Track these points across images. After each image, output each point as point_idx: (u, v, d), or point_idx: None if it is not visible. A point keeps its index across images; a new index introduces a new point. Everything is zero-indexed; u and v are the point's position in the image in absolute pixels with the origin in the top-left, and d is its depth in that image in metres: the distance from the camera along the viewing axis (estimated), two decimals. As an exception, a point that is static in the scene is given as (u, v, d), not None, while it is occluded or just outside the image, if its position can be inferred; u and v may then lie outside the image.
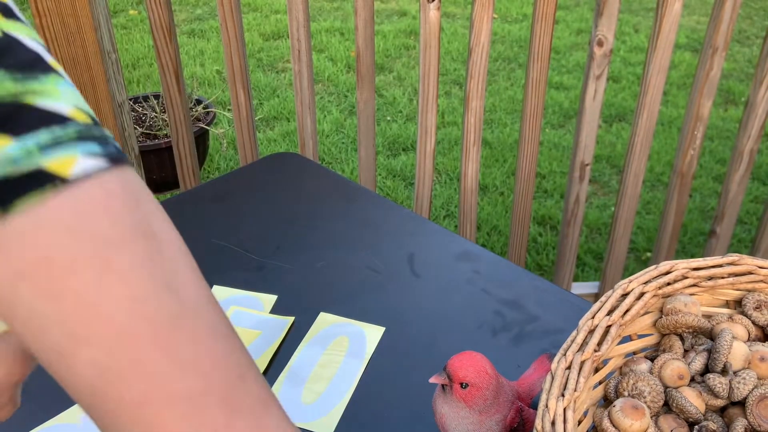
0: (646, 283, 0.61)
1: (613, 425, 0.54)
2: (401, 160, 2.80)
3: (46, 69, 0.29)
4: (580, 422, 0.57)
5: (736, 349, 0.59)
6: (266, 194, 1.09)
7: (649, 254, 2.32)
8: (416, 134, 1.64)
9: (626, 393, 0.58)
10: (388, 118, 3.13)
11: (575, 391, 0.52)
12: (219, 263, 0.94)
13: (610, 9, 1.49)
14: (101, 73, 1.37)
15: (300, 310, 0.86)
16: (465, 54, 3.61)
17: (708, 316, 0.64)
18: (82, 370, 0.27)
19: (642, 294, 0.60)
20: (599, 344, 0.56)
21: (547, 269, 2.27)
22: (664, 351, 0.63)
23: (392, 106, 3.23)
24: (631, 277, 0.61)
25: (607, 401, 0.60)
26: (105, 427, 0.29)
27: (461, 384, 0.60)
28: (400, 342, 0.82)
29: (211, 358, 0.29)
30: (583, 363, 0.54)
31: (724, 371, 0.58)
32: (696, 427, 0.56)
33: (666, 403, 0.58)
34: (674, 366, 0.59)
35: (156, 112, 2.53)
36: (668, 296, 0.63)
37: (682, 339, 0.63)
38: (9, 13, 0.29)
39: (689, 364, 0.60)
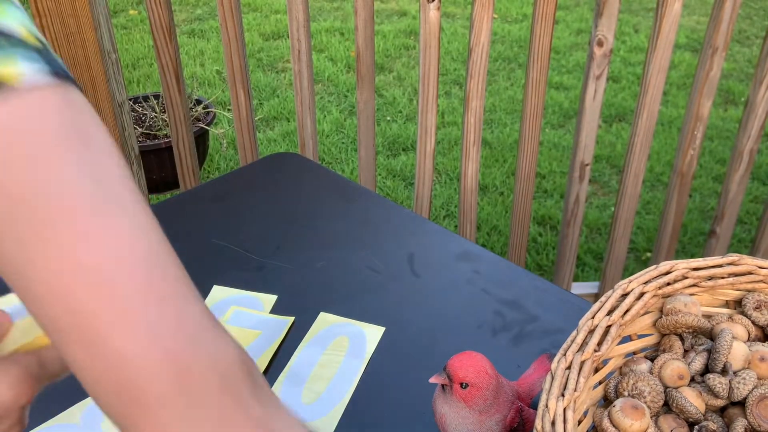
0: (646, 283, 0.61)
1: (613, 425, 0.54)
2: (401, 160, 2.80)
3: None
4: (580, 422, 0.57)
5: (736, 349, 0.59)
6: (266, 194, 1.09)
7: (649, 254, 2.32)
8: (416, 134, 1.64)
9: (626, 393, 0.58)
10: (388, 118, 3.13)
11: (575, 391, 0.52)
12: (219, 263, 0.94)
13: (610, 9, 1.49)
14: (101, 73, 1.37)
15: (300, 310, 0.86)
16: (465, 54, 3.61)
17: (708, 316, 0.64)
18: (8, 247, 0.30)
19: (642, 294, 0.60)
20: (599, 344, 0.56)
21: (547, 269, 2.27)
22: (664, 351, 0.63)
23: (392, 106, 3.23)
24: (631, 277, 0.61)
25: (607, 401, 0.60)
26: (26, 301, 0.31)
27: (461, 384, 0.60)
28: (400, 342, 0.82)
29: (130, 247, 0.31)
30: (583, 363, 0.54)
31: (724, 371, 0.58)
32: (696, 427, 0.56)
33: (666, 403, 0.58)
34: (674, 366, 0.59)
35: (156, 112, 2.53)
36: (668, 296, 0.63)
37: (682, 339, 0.63)
38: None
39: (689, 364, 0.60)
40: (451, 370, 0.61)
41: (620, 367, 0.62)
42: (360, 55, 1.53)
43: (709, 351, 0.60)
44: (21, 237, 0.30)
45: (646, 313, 0.63)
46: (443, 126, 3.07)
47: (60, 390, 0.47)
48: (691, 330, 0.62)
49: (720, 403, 0.58)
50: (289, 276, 0.92)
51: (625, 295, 0.60)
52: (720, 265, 0.63)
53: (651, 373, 0.60)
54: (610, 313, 0.58)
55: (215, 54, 3.65)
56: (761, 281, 0.64)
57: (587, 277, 2.24)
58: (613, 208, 2.49)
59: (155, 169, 2.39)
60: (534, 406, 0.67)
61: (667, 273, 0.62)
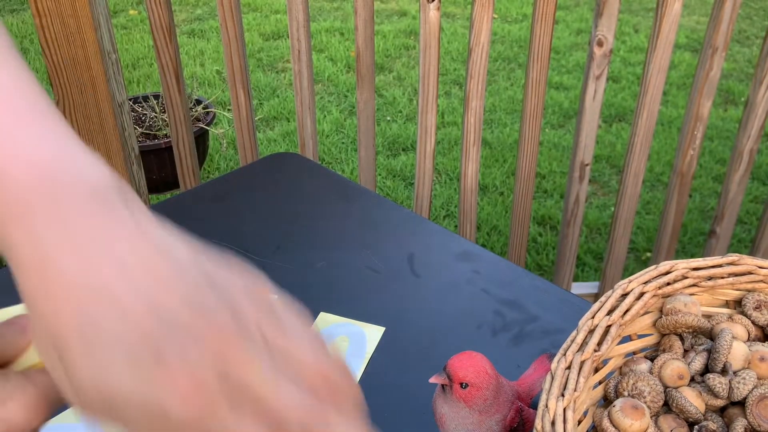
0: (646, 283, 0.61)
1: (613, 425, 0.54)
2: (401, 160, 2.80)
3: None
4: (580, 422, 0.57)
5: (736, 349, 0.59)
6: (266, 194, 1.09)
7: (649, 254, 2.32)
8: (416, 134, 1.64)
9: (626, 393, 0.58)
10: (388, 118, 3.13)
11: (575, 391, 0.52)
12: (219, 263, 0.94)
13: (610, 9, 1.49)
14: (101, 73, 1.37)
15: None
16: (465, 54, 3.61)
17: (708, 316, 0.64)
18: None
19: (642, 294, 0.60)
20: (599, 344, 0.56)
21: (547, 269, 2.27)
22: (664, 351, 0.63)
23: (392, 106, 3.23)
24: (631, 277, 0.61)
25: (607, 401, 0.60)
26: None
27: (461, 384, 0.60)
28: (400, 342, 0.82)
29: None
30: (583, 363, 0.54)
31: (724, 371, 0.58)
32: (696, 427, 0.56)
33: (666, 403, 0.58)
34: (674, 366, 0.59)
35: (156, 112, 2.53)
36: (668, 296, 0.63)
37: (682, 339, 0.63)
38: None
39: (689, 364, 0.60)
40: (451, 370, 0.61)
41: (620, 367, 0.62)
42: (360, 55, 1.53)
43: (709, 351, 0.60)
44: None
45: (646, 313, 0.63)
46: (443, 126, 3.07)
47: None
48: (691, 330, 0.62)
49: (720, 403, 0.58)
50: (289, 276, 0.92)
51: (625, 295, 0.60)
52: (720, 265, 0.63)
53: (651, 373, 0.60)
54: (610, 313, 0.58)
55: (215, 54, 3.65)
56: (761, 281, 0.64)
57: (587, 277, 2.24)
58: (613, 208, 2.49)
59: (155, 169, 2.39)
60: (534, 406, 0.67)
61: (667, 273, 0.62)
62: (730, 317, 0.63)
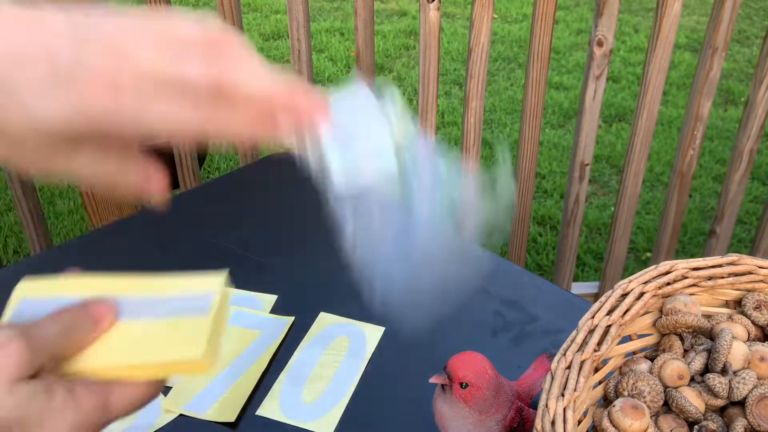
0: (645, 283, 0.61)
1: (613, 425, 0.54)
2: (401, 160, 2.80)
3: None
4: (579, 422, 0.57)
5: (736, 349, 0.59)
6: (266, 194, 1.09)
7: (649, 254, 2.32)
8: (416, 134, 1.64)
9: (626, 393, 0.58)
10: (388, 118, 3.13)
11: (575, 391, 0.52)
12: (219, 263, 0.94)
13: (610, 9, 1.49)
14: (101, 73, 1.37)
15: (300, 310, 0.86)
16: (465, 54, 3.61)
17: (708, 316, 0.64)
18: None
19: (642, 294, 0.60)
20: (599, 344, 0.56)
21: (547, 269, 2.27)
22: (663, 351, 0.63)
23: (392, 106, 3.23)
24: (631, 277, 0.61)
25: (606, 401, 0.60)
26: None
27: (461, 384, 0.60)
28: (400, 342, 0.82)
29: None
30: (582, 363, 0.54)
31: (723, 371, 0.58)
32: (696, 427, 0.56)
33: (666, 403, 0.58)
34: (674, 366, 0.59)
35: (156, 112, 2.53)
36: (668, 296, 0.63)
37: (681, 339, 0.63)
38: None
39: (689, 364, 0.60)
40: (451, 370, 0.61)
41: (620, 367, 0.62)
42: (360, 55, 1.53)
43: (709, 351, 0.60)
44: None
45: (646, 313, 0.63)
46: (443, 126, 3.07)
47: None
48: (691, 330, 0.62)
49: (720, 403, 0.58)
50: (289, 276, 0.92)
51: (625, 295, 0.60)
52: (720, 265, 0.63)
53: (651, 373, 0.60)
54: (610, 313, 0.58)
55: (215, 54, 3.65)
56: (761, 281, 0.64)
57: (587, 277, 2.24)
58: (613, 208, 2.49)
59: (155, 169, 2.38)
60: (534, 406, 0.67)
61: (667, 273, 0.62)
62: (730, 317, 0.63)
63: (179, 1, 4.31)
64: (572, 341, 0.56)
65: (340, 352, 0.80)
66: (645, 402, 0.57)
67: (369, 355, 0.80)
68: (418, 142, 0.38)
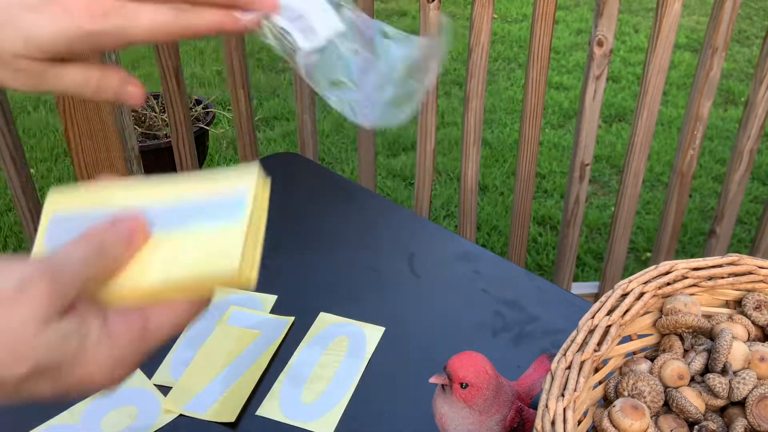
0: (646, 283, 0.61)
1: (613, 425, 0.54)
2: (401, 160, 2.80)
3: None
4: (580, 422, 0.57)
5: (736, 349, 0.59)
6: (266, 194, 1.09)
7: (649, 254, 2.32)
8: (416, 134, 1.64)
9: (626, 393, 0.58)
10: (388, 118, 3.13)
11: (575, 391, 0.52)
12: (219, 263, 0.94)
13: (610, 9, 1.48)
14: (101, 73, 1.37)
15: (300, 310, 0.86)
16: (465, 54, 3.61)
17: (708, 316, 0.64)
18: None
19: (642, 294, 0.60)
20: (599, 344, 0.56)
21: (547, 269, 2.27)
22: (664, 351, 0.63)
23: (392, 106, 3.23)
24: (631, 277, 0.61)
25: (607, 401, 0.60)
26: None
27: (461, 384, 0.60)
28: (400, 342, 0.82)
29: None
30: (583, 363, 0.54)
31: (724, 371, 0.58)
32: (696, 427, 0.56)
33: (666, 403, 0.58)
34: (674, 366, 0.59)
35: (156, 112, 2.53)
36: (668, 296, 0.63)
37: (682, 339, 0.63)
38: None
39: (689, 364, 0.60)
40: (451, 370, 0.61)
41: (620, 367, 0.62)
42: (360, 55, 1.53)
43: (709, 351, 0.60)
44: None
45: (646, 313, 0.63)
46: (443, 126, 3.07)
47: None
48: (691, 330, 0.62)
49: (720, 403, 0.58)
50: (289, 276, 0.92)
51: (625, 295, 0.60)
52: (720, 265, 0.63)
53: (651, 373, 0.60)
54: (610, 313, 0.58)
55: (215, 54, 3.65)
56: (761, 281, 0.64)
57: (587, 277, 2.24)
58: (613, 208, 2.49)
59: (155, 169, 2.39)
60: (534, 406, 0.67)
61: (667, 273, 0.62)
62: (730, 317, 0.63)
63: (179, 1, 4.31)
64: (572, 341, 0.56)
65: (339, 352, 0.80)
66: (645, 402, 0.57)
67: (369, 355, 0.80)
68: (357, 10, 0.46)
